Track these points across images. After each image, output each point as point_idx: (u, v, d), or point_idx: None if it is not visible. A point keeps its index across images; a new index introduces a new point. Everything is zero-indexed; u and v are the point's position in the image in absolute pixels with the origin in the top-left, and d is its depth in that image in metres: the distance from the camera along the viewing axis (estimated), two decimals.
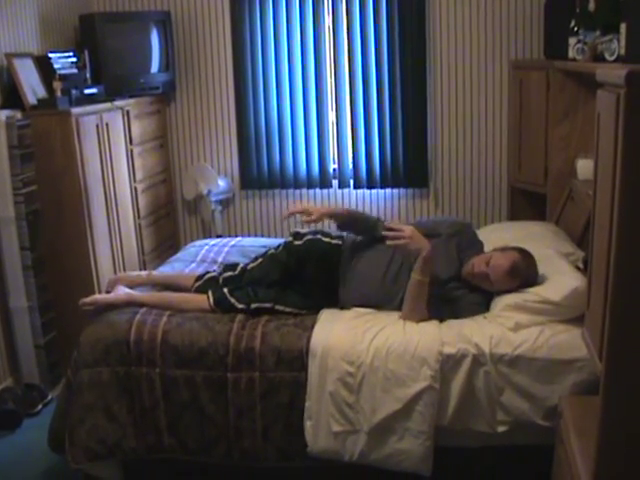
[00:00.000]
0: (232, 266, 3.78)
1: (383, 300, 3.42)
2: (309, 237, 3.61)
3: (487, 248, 3.53)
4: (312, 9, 5.30)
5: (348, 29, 5.29)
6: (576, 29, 3.83)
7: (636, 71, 1.85)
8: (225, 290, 3.48)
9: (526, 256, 3.31)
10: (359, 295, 3.45)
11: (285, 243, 3.67)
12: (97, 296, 3.68)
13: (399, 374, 3.02)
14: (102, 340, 3.26)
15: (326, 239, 3.60)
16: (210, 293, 3.48)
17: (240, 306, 3.39)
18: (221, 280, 3.65)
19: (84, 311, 3.58)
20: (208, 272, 3.80)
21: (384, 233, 3.32)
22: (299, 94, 5.46)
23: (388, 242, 3.27)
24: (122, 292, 3.61)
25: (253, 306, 3.39)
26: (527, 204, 5.02)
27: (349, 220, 3.62)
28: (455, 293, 3.36)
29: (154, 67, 5.38)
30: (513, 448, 3.13)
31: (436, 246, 3.39)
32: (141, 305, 3.49)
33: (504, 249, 3.36)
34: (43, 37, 4.81)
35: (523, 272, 3.27)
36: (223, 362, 3.17)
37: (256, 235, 5.77)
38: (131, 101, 5.09)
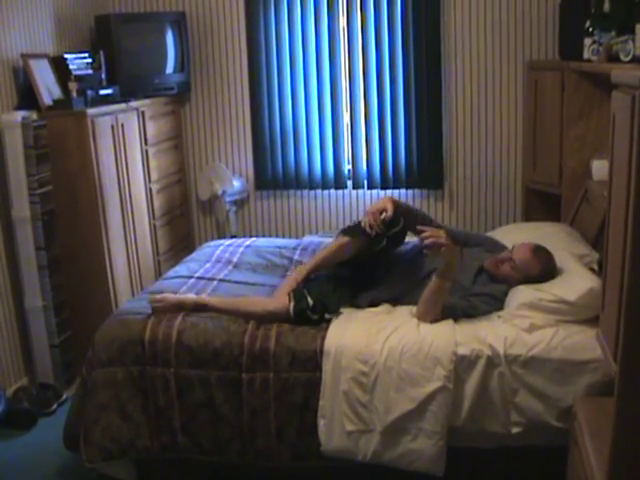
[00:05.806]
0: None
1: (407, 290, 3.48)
2: None
3: None
4: (327, 10, 5.31)
5: (362, 30, 5.29)
6: (591, 30, 3.82)
7: None
8: (310, 301, 3.36)
9: (542, 246, 3.43)
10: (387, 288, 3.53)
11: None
12: (167, 294, 3.54)
13: (413, 374, 3.02)
14: (117, 340, 3.28)
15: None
16: (292, 303, 3.37)
17: (314, 317, 3.35)
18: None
19: (154, 308, 3.42)
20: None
21: (419, 228, 3.21)
22: (314, 95, 5.46)
23: (425, 242, 3.13)
24: (192, 295, 3.56)
25: (327, 317, 3.36)
26: (542, 205, 5.01)
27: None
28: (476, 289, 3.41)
29: (169, 68, 5.40)
30: (527, 449, 3.12)
31: (467, 255, 3.53)
32: (208, 309, 3.41)
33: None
34: (59, 38, 4.84)
35: (545, 254, 3.37)
36: (237, 362, 3.17)
37: (270, 236, 5.78)
38: (146, 102, 5.11)
